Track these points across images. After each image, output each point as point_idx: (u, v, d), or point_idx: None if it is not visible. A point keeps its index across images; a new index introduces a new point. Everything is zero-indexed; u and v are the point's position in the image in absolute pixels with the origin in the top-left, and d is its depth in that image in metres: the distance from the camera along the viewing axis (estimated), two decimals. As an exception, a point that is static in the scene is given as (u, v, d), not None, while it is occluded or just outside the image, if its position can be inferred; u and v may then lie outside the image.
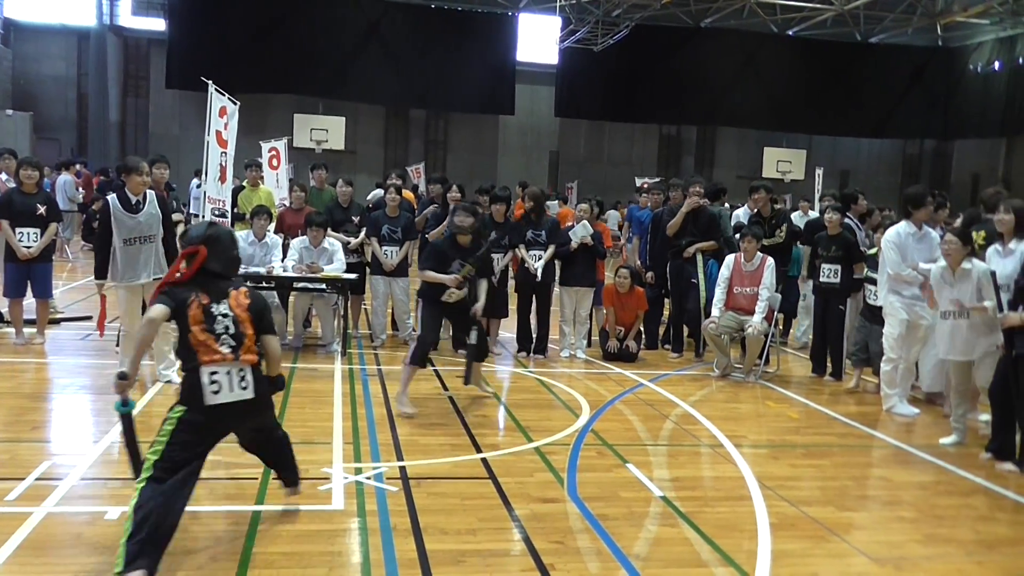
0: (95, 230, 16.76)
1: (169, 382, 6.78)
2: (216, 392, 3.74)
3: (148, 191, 6.83)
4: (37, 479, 4.64)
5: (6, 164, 9.77)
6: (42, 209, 8.17)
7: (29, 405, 6.26)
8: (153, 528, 3.47)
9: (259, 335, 3.98)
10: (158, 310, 3.78)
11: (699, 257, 8.95)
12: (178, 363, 6.67)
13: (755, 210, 9.31)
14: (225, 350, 3.79)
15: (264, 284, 8.06)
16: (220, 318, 3.82)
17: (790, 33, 28.08)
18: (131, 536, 3.43)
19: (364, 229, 9.03)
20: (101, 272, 6.77)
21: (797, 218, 10.61)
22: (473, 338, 6.69)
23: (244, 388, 3.83)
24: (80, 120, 26.41)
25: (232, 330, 3.84)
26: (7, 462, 4.91)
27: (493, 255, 8.69)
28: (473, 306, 6.75)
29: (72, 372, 7.36)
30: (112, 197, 6.75)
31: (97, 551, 3.84)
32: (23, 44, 26.03)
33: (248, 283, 7.63)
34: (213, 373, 3.75)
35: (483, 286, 6.89)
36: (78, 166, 18.12)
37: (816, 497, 5.07)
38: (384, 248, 8.83)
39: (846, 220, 8.65)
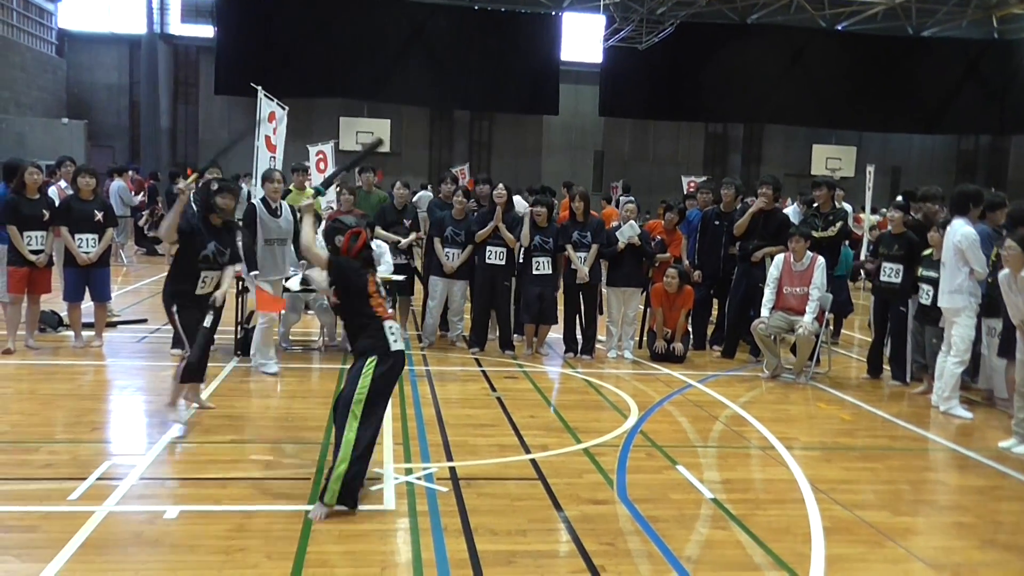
0: (146, 235, 17.32)
1: (264, 372, 7.52)
2: (395, 341, 4.54)
3: (281, 200, 7.71)
4: (98, 479, 4.75)
5: (66, 171, 10.01)
6: (99, 215, 8.36)
7: (89, 406, 6.42)
8: (364, 470, 4.43)
9: None
10: (323, 260, 4.61)
11: (768, 262, 8.67)
12: (274, 359, 7.52)
13: (815, 205, 9.21)
14: (390, 311, 4.72)
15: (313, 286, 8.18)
16: (380, 285, 4.70)
17: (839, 28, 27.61)
18: (348, 472, 4.30)
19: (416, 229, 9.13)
20: (253, 264, 7.52)
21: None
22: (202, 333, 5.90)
23: (402, 341, 4.64)
24: (132, 127, 27.00)
25: (386, 295, 4.72)
26: (69, 462, 5.05)
27: (536, 259, 8.69)
28: (213, 296, 6.02)
29: (129, 374, 7.54)
30: (258, 201, 7.67)
31: (157, 550, 3.93)
32: (77, 54, 26.69)
33: (301, 286, 7.97)
34: (391, 327, 4.56)
35: (230, 272, 6.15)
36: (131, 172, 18.49)
37: (871, 501, 4.98)
38: (447, 250, 8.80)
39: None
